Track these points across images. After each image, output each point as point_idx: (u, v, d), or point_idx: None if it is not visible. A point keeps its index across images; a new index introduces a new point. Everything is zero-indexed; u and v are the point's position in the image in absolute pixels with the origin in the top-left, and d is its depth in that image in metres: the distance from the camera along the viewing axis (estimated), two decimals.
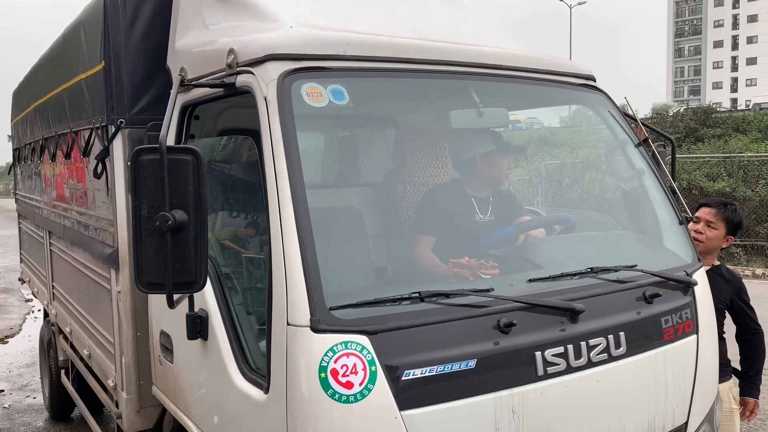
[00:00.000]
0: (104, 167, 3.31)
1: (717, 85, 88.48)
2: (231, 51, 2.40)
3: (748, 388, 3.65)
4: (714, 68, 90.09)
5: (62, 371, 5.42)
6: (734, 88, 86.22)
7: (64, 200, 4.51)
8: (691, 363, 2.70)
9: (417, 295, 2.12)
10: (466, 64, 2.65)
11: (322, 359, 1.92)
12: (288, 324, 1.98)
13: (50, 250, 5.23)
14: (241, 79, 2.35)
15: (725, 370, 3.68)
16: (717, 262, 3.63)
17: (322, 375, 1.91)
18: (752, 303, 3.65)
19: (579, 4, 44.10)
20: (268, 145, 2.16)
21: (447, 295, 2.16)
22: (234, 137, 3.12)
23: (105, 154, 3.27)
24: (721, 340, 3.72)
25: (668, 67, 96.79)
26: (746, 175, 14.47)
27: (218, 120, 3.41)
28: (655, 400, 2.55)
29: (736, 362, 3.74)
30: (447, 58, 2.61)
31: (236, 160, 3.13)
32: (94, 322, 3.94)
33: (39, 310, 9.48)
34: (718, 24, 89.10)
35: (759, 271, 16.10)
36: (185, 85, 2.55)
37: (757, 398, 3.64)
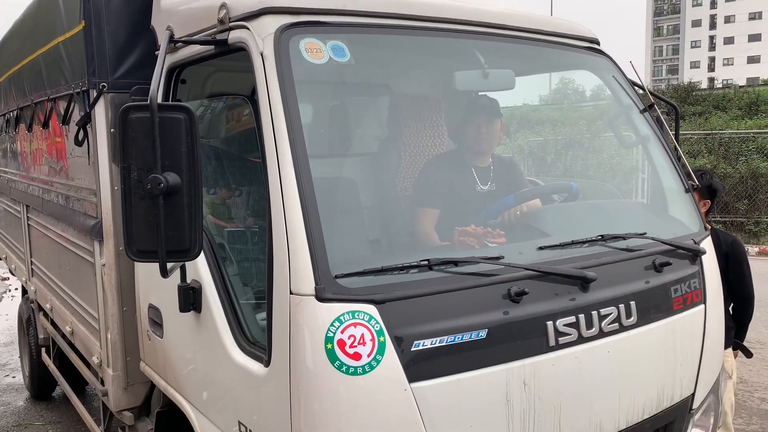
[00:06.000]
0: (86, 134, 3.14)
1: (695, 65, 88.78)
2: (223, 5, 2.25)
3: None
4: (692, 47, 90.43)
5: (43, 349, 5.28)
6: (711, 68, 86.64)
7: (43, 172, 4.32)
8: (699, 333, 2.63)
9: (426, 262, 2.01)
10: (469, 23, 2.53)
11: (329, 329, 1.81)
12: (291, 293, 1.87)
13: (28, 224, 5.03)
14: (234, 35, 2.20)
15: (726, 337, 3.69)
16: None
17: (329, 346, 1.81)
18: None
19: None
20: (266, 104, 2.03)
21: (456, 263, 2.06)
22: (225, 99, 2.97)
23: (86, 120, 3.10)
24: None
25: (647, 46, 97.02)
26: (727, 152, 14.58)
27: (205, 84, 3.25)
28: (664, 371, 2.49)
29: None
30: (449, 15, 2.49)
31: (226, 123, 2.98)
32: (77, 298, 3.79)
33: (16, 289, 9.24)
34: (697, 3, 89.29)
35: None
36: (174, 42, 2.39)
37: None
